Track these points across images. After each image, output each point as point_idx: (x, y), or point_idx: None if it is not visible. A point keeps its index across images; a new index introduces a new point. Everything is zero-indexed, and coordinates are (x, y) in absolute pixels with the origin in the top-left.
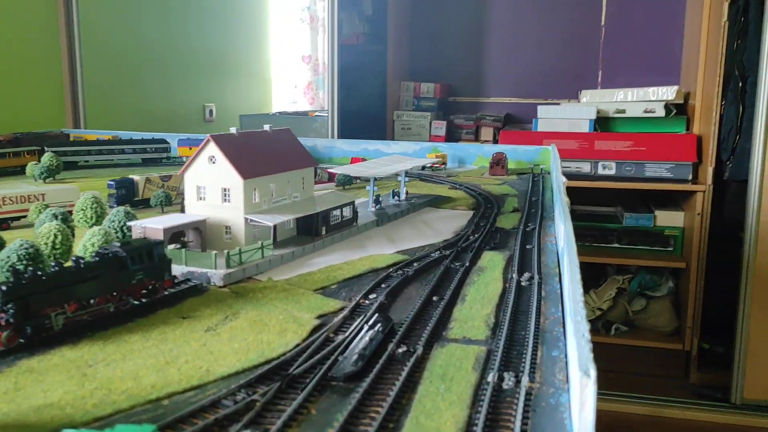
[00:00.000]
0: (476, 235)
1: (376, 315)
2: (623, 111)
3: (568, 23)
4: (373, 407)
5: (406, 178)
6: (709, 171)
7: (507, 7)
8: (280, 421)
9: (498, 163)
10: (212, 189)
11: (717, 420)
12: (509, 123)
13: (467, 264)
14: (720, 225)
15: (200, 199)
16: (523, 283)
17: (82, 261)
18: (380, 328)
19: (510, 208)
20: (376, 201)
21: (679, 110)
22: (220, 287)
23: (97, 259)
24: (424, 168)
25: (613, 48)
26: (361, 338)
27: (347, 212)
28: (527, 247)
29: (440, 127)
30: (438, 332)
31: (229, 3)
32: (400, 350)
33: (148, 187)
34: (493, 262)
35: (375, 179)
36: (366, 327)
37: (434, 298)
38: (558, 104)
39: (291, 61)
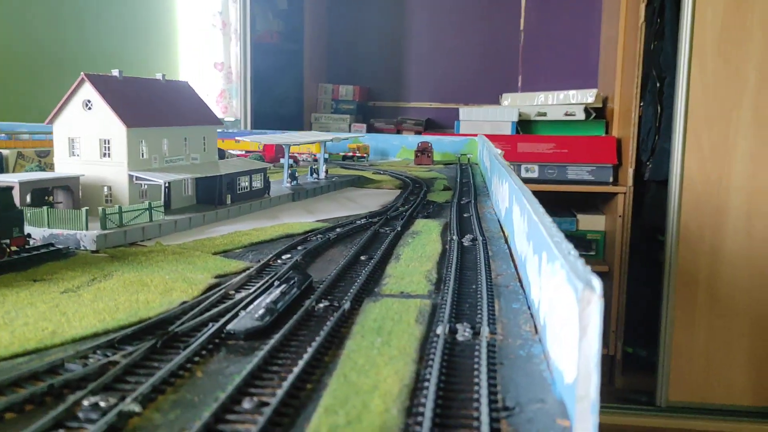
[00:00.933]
0: (406, 207)
1: (291, 271)
2: (544, 114)
3: (488, 29)
4: (285, 366)
5: (326, 155)
6: (629, 172)
7: (427, 11)
8: (146, 385)
9: (423, 151)
10: (88, 141)
11: (643, 423)
12: (431, 127)
13: (399, 229)
14: (641, 228)
15: (73, 154)
16: (465, 244)
17: None
18: (295, 283)
19: (440, 187)
20: (292, 176)
21: (599, 114)
22: (92, 252)
23: None
24: (345, 158)
25: (533, 52)
26: (270, 293)
27: (258, 181)
28: (464, 215)
29: (360, 130)
30: (368, 288)
31: (133, 6)
32: (321, 305)
33: (19, 163)
34: (428, 227)
35: (293, 156)
36: (277, 282)
37: (362, 258)
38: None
39: (202, 68)
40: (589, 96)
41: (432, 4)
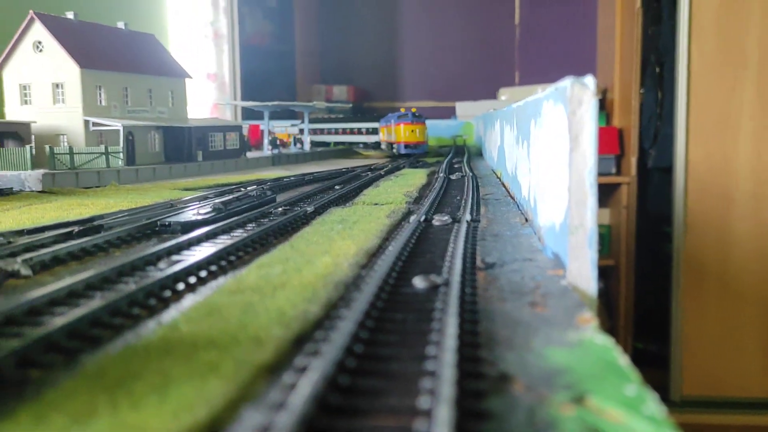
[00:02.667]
0: (393, 163)
1: (252, 187)
2: None
3: (482, 25)
4: (218, 244)
5: (309, 126)
6: (632, 162)
7: (420, 9)
8: (42, 253)
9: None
10: (40, 86)
11: None
12: None
13: (382, 173)
14: (646, 219)
15: (25, 102)
16: (453, 178)
17: None
18: (255, 194)
19: (432, 154)
20: (273, 144)
21: (599, 104)
22: (38, 191)
23: None
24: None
25: (529, 46)
26: (223, 199)
27: (233, 140)
28: (455, 166)
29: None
30: (338, 203)
31: (123, 18)
32: (279, 209)
33: None
34: (414, 172)
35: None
36: (231, 196)
37: (336, 187)
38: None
39: (196, 79)
40: None
41: (425, 2)
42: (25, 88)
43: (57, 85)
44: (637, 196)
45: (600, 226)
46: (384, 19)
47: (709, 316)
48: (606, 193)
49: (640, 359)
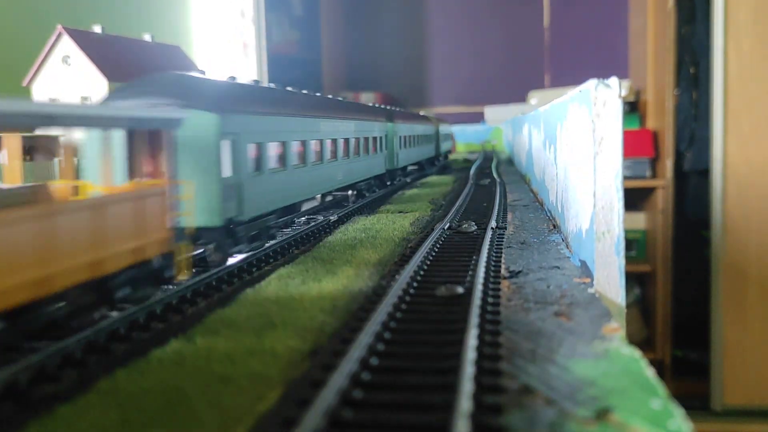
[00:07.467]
0: (420, 166)
1: None
2: None
3: (511, 29)
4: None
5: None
6: (667, 164)
7: (446, 15)
8: None
9: None
10: (69, 99)
11: (699, 429)
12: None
13: (407, 180)
14: (683, 224)
15: None
16: (481, 183)
17: None
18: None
19: (461, 159)
20: None
21: (632, 106)
22: None
23: None
24: None
25: (559, 49)
26: None
27: None
28: (485, 172)
29: None
30: (360, 211)
31: (148, 26)
32: (302, 219)
33: None
34: (441, 179)
35: None
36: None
37: (366, 194)
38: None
39: None
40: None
41: (451, 8)
42: (53, 101)
43: (85, 98)
44: (673, 200)
45: (635, 231)
46: (411, 25)
47: (751, 323)
48: (641, 197)
49: (680, 367)
